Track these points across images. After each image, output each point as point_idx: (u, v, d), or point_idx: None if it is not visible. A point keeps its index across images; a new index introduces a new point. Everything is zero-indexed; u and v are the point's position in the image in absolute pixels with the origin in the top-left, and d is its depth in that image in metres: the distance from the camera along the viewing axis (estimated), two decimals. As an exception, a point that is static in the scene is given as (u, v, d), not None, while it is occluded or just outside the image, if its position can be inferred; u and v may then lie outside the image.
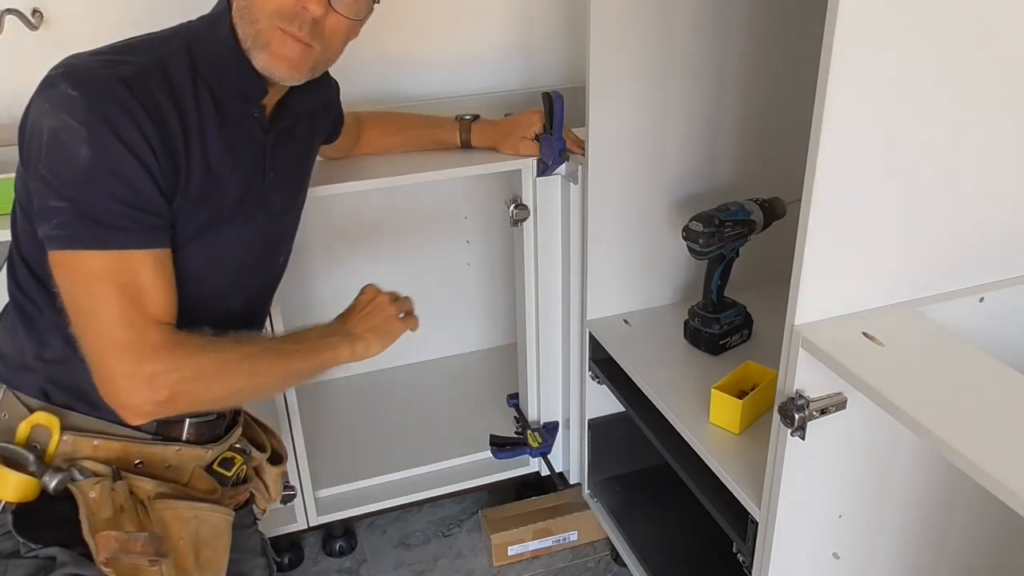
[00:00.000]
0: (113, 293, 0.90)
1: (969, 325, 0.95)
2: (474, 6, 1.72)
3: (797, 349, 0.89)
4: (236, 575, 1.13)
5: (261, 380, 1.02)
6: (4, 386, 1.00)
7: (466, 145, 1.50)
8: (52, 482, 0.94)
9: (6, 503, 0.93)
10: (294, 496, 1.53)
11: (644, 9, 1.28)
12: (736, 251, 1.34)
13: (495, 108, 1.67)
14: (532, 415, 1.70)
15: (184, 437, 1.07)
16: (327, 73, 1.12)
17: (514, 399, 1.75)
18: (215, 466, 1.11)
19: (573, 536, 1.78)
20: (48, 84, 0.89)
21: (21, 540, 0.93)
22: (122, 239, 0.90)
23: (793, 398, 0.91)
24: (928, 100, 0.84)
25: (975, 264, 0.97)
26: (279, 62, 0.96)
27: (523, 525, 1.74)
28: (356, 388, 1.98)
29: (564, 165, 1.45)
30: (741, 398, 1.17)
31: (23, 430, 0.97)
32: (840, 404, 0.92)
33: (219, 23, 0.98)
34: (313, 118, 1.18)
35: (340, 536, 1.78)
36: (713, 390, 1.19)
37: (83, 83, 0.88)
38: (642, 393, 1.33)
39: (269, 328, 1.34)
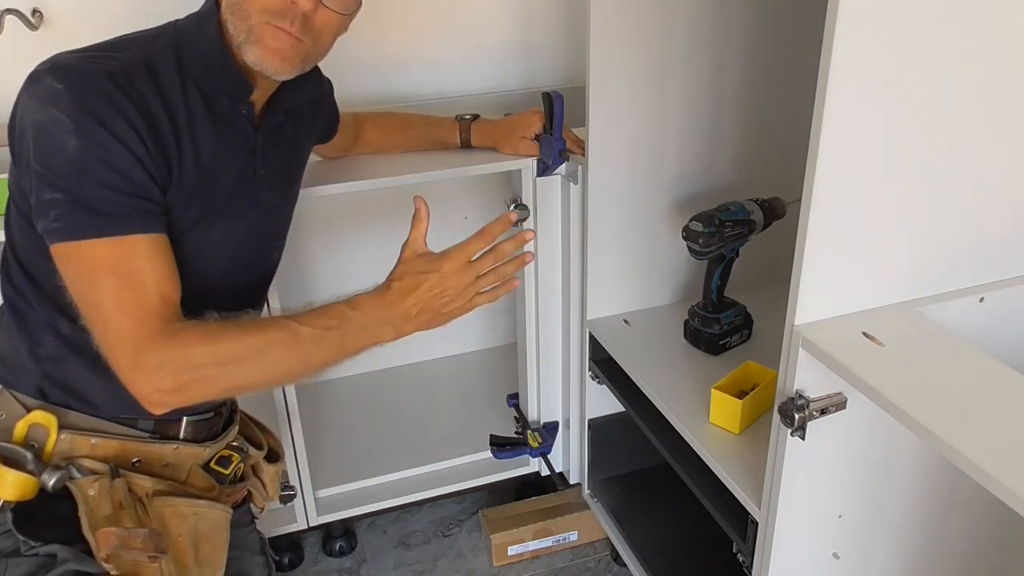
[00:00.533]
0: (112, 282, 0.89)
1: (969, 325, 0.95)
2: (474, 6, 1.72)
3: (797, 349, 0.89)
4: (235, 573, 1.13)
5: (276, 371, 0.95)
6: (0, 385, 1.00)
7: (466, 145, 1.50)
8: (51, 480, 0.94)
9: (5, 502, 0.93)
10: (294, 496, 1.53)
11: (644, 9, 1.28)
12: (736, 251, 1.34)
13: (495, 108, 1.67)
14: (532, 415, 1.70)
15: (181, 435, 1.07)
16: (317, 69, 1.13)
17: (514, 399, 1.75)
18: (212, 464, 1.11)
19: (573, 536, 1.78)
20: (33, 80, 0.90)
21: (21, 538, 0.93)
22: (118, 225, 0.89)
23: (793, 398, 0.91)
24: (928, 100, 0.84)
25: (975, 264, 0.97)
26: (271, 55, 0.96)
27: (523, 525, 1.74)
28: (356, 388, 1.98)
29: (564, 165, 1.45)
30: (741, 398, 1.17)
31: (21, 429, 0.97)
32: (840, 404, 0.92)
33: (206, 21, 0.98)
34: (304, 115, 1.18)
35: (340, 536, 1.78)
36: (713, 390, 1.19)
37: (68, 76, 0.88)
38: (642, 393, 1.33)
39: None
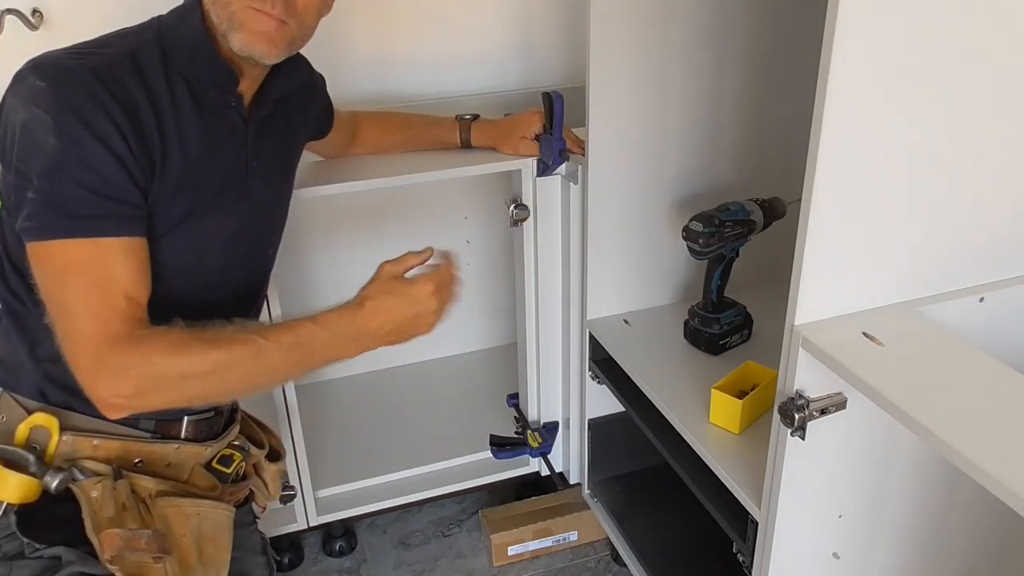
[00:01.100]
0: (81, 284, 0.89)
1: (969, 325, 0.95)
2: (474, 6, 1.72)
3: (797, 349, 0.89)
4: (236, 573, 1.13)
5: (238, 384, 0.96)
6: (1, 388, 1.00)
7: (466, 145, 1.50)
8: (53, 482, 0.94)
9: (8, 504, 0.93)
10: (294, 496, 1.53)
11: (644, 9, 1.28)
12: (736, 251, 1.34)
13: (495, 108, 1.67)
14: (532, 415, 1.70)
15: (183, 435, 1.07)
16: (305, 59, 1.14)
17: (514, 399, 1.75)
18: (214, 463, 1.11)
19: (573, 536, 1.78)
20: (18, 79, 0.90)
21: (26, 540, 0.94)
22: (92, 228, 0.89)
23: (793, 398, 0.91)
24: (928, 100, 0.84)
25: (975, 264, 0.97)
26: (256, 39, 0.96)
27: (523, 525, 1.74)
28: (356, 388, 1.98)
29: (564, 165, 1.45)
30: (741, 398, 1.17)
31: (22, 431, 0.97)
32: (840, 404, 0.92)
33: (189, 13, 0.99)
34: (295, 108, 1.18)
35: (340, 536, 1.78)
36: (713, 390, 1.19)
37: (50, 74, 0.89)
38: (642, 393, 1.33)
39: (267, 315, 1.31)
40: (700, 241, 1.28)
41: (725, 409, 1.19)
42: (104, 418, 0.93)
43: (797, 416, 0.90)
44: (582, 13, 1.27)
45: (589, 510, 1.69)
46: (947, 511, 1.11)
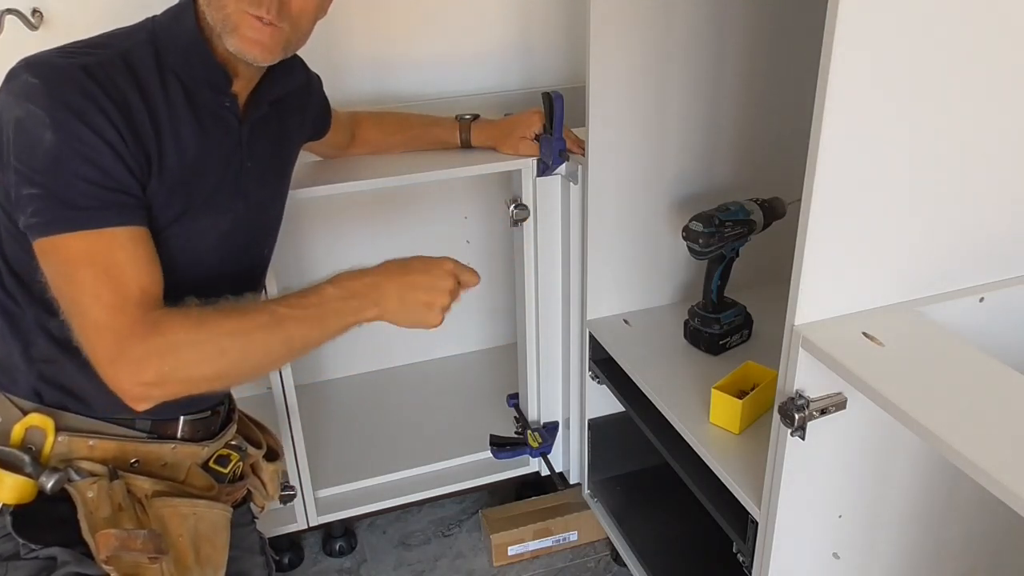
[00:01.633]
0: (90, 275, 0.89)
1: (969, 325, 0.95)
2: (474, 6, 1.72)
3: (797, 349, 0.89)
4: (235, 573, 1.13)
5: (259, 355, 0.95)
6: None
7: (466, 145, 1.49)
8: (49, 483, 0.94)
9: (4, 505, 0.93)
10: (294, 496, 1.53)
11: (644, 9, 1.28)
12: (736, 251, 1.34)
13: (495, 108, 1.67)
14: (532, 415, 1.70)
15: (179, 435, 1.07)
16: (301, 60, 1.13)
17: (514, 399, 1.75)
18: (211, 463, 1.11)
19: (573, 536, 1.78)
20: (10, 77, 0.90)
21: (21, 541, 0.93)
22: (96, 219, 0.89)
23: (793, 398, 0.91)
24: (928, 100, 0.84)
25: (975, 264, 0.97)
26: (250, 45, 0.96)
27: (523, 525, 1.74)
28: (356, 388, 1.98)
29: (564, 165, 1.45)
30: (741, 398, 1.17)
31: (18, 432, 0.97)
32: (840, 404, 0.92)
33: (184, 14, 0.99)
34: (291, 108, 1.17)
35: (340, 536, 1.78)
36: (713, 390, 1.19)
37: (44, 71, 0.89)
38: (642, 393, 1.33)
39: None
40: (700, 241, 1.27)
41: (725, 409, 1.18)
42: (109, 418, 0.93)
43: (797, 416, 0.90)
44: (582, 13, 1.27)
45: (589, 510, 1.68)
46: (947, 511, 1.10)
